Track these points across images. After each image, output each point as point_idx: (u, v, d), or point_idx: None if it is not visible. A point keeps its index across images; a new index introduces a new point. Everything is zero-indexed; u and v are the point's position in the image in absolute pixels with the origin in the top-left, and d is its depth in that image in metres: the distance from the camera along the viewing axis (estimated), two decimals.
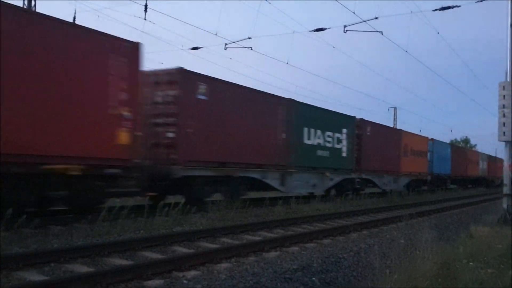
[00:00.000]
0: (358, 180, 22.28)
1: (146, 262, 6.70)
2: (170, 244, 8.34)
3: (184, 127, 12.84)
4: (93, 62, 10.12)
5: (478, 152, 49.66)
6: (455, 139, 73.85)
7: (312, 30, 18.50)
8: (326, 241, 9.79)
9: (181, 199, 12.85)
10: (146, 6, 16.53)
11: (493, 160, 53.18)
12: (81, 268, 6.44)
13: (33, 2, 20.12)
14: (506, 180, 13.14)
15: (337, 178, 20.57)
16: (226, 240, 9.16)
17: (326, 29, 18.32)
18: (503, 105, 12.81)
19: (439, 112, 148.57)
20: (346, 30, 17.60)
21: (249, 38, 19.09)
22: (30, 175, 9.07)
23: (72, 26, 10.24)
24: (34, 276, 5.91)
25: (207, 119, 13.57)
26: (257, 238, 9.51)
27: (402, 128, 30.58)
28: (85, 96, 9.94)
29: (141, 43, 11.13)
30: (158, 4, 32.20)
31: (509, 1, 12.89)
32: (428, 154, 31.34)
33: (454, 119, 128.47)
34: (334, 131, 20.22)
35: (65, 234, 8.83)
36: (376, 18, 17.02)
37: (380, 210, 16.93)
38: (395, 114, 51.67)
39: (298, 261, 7.47)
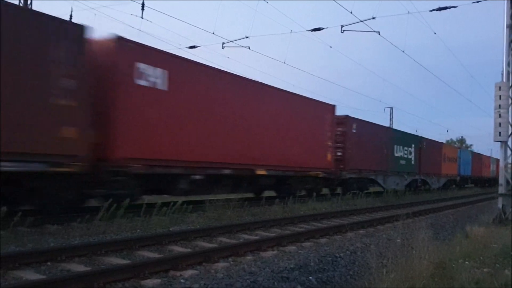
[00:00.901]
0: (420, 179, 31.27)
1: (143, 261, 6.69)
2: (167, 244, 8.34)
3: (346, 149, 21.79)
4: (320, 119, 19.66)
5: (489, 157, 54.85)
6: (451, 139, 74.08)
7: (310, 30, 18.52)
8: (322, 240, 9.82)
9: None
10: (143, 4, 16.54)
11: None
12: (78, 267, 6.43)
13: (28, 1, 20.05)
14: (501, 180, 13.21)
15: (409, 179, 29.39)
16: (223, 239, 9.17)
17: (323, 28, 18.35)
18: (499, 106, 12.87)
19: (435, 112, 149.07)
20: (344, 30, 17.63)
21: (247, 37, 19.13)
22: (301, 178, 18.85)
23: (314, 101, 19.53)
24: (31, 275, 5.90)
25: (356, 144, 22.40)
26: (254, 237, 9.52)
27: (442, 141, 41.90)
28: (316, 138, 19.35)
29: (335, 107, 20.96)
30: (155, 2, 32.15)
31: (506, 2, 12.95)
32: (457, 160, 40.31)
33: (450, 119, 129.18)
34: (408, 146, 29.13)
35: (62, 233, 8.82)
36: (373, 18, 17.04)
37: (376, 210, 16.95)
38: (391, 114, 51.92)
39: (295, 260, 7.49)
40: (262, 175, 16.09)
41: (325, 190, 21.67)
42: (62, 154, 9.39)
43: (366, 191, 23.70)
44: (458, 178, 39.79)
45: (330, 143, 20.03)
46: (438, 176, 34.70)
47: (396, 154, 27.13)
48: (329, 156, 19.95)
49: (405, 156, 28.49)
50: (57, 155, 9.31)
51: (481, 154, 52.00)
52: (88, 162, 9.88)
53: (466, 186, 44.15)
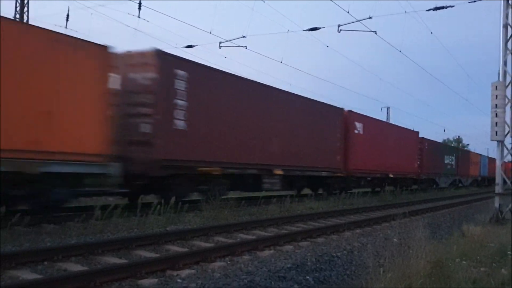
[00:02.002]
0: (457, 179, 42.65)
1: (140, 261, 6.69)
2: (164, 243, 8.33)
3: (422, 159, 31.62)
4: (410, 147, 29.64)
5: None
6: (448, 139, 74.22)
7: (307, 30, 18.55)
8: (320, 239, 9.83)
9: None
10: (140, 4, 16.53)
11: None
12: (74, 266, 6.42)
13: (25, 1, 20.00)
14: (498, 179, 13.24)
15: (452, 178, 40.56)
16: (220, 239, 9.16)
17: (320, 28, 18.37)
18: (496, 105, 12.89)
19: (432, 112, 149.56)
20: (340, 30, 17.65)
21: (244, 36, 19.15)
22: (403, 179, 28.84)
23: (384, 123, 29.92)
24: (27, 274, 5.88)
25: (426, 156, 32.16)
26: (251, 237, 9.52)
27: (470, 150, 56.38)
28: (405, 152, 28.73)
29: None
30: (152, 2, 32.07)
31: (502, 2, 12.98)
32: (479, 164, 51.07)
33: (447, 119, 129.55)
34: (451, 155, 40.44)
35: (58, 232, 8.80)
36: (370, 17, 17.09)
37: (373, 209, 16.99)
38: (388, 113, 52.04)
39: (292, 259, 7.49)
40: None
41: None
42: (336, 168, 21.14)
43: (433, 186, 36.00)
44: (479, 178, 51.63)
45: (416, 156, 31.11)
46: (467, 176, 46.57)
47: (445, 161, 38.55)
48: (415, 165, 30.94)
49: (450, 162, 39.87)
50: (335, 168, 21.00)
51: (493, 158, 56.84)
52: (343, 171, 21.67)
53: (483, 184, 53.72)
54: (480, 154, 55.19)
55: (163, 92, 12.24)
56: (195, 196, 14.34)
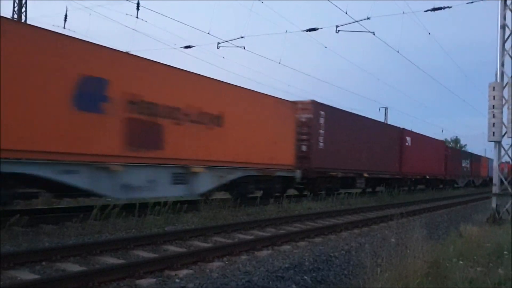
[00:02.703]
0: (471, 180, 48.79)
1: (138, 261, 6.69)
2: (162, 243, 8.35)
3: (447, 164, 38.13)
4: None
5: (508, 162, 66.15)
6: (446, 139, 74.27)
7: (305, 30, 18.60)
8: (317, 239, 9.85)
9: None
10: (138, 4, 16.53)
11: None
12: (73, 267, 6.43)
13: (23, 1, 19.98)
14: (495, 180, 13.27)
15: (467, 179, 47.03)
16: (218, 239, 9.18)
17: (318, 29, 18.41)
18: (493, 106, 12.93)
19: (430, 112, 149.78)
20: (338, 30, 17.69)
21: (242, 37, 19.21)
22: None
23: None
24: (26, 275, 5.89)
25: (450, 161, 39.23)
26: (249, 237, 9.54)
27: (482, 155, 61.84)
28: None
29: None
30: (150, 2, 32.08)
31: (499, 3, 13.02)
32: (487, 166, 57.36)
33: (445, 119, 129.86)
34: (466, 160, 46.81)
35: (57, 232, 8.81)
36: (368, 18, 17.12)
37: (371, 209, 17.01)
38: (386, 114, 52.10)
39: (290, 259, 7.50)
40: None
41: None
42: (395, 171, 27.70)
43: (454, 185, 42.61)
44: (487, 178, 54.83)
45: (443, 161, 37.78)
46: (479, 177, 52.83)
47: (463, 165, 44.97)
48: (442, 168, 37.53)
49: (466, 165, 46.09)
50: (393, 171, 27.60)
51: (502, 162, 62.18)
52: (399, 174, 28.39)
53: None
54: (488, 158, 59.52)
55: (314, 126, 19.34)
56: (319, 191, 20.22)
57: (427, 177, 33.65)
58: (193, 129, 12.63)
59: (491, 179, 57.93)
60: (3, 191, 8.82)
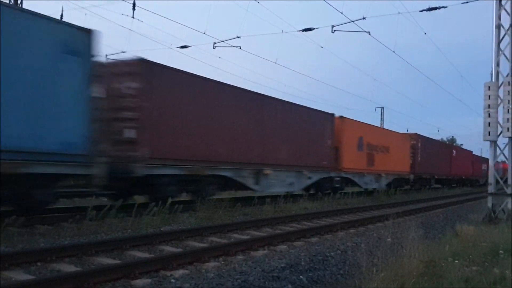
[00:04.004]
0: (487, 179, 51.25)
1: (134, 261, 6.68)
2: (158, 243, 8.33)
3: (474, 167, 51.26)
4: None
5: None
6: (442, 139, 74.53)
7: (301, 30, 18.54)
8: (313, 239, 9.85)
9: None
10: (134, 4, 16.48)
11: None
12: (68, 267, 6.41)
13: (19, 0, 19.90)
14: (491, 179, 13.31)
15: (485, 179, 60.73)
16: (214, 239, 9.17)
17: (314, 29, 18.38)
18: (489, 105, 12.96)
19: (426, 112, 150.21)
20: (334, 30, 17.66)
21: (238, 37, 19.12)
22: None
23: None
24: (21, 275, 5.86)
25: (476, 165, 52.09)
26: (245, 237, 9.53)
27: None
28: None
29: None
30: (146, 2, 32.01)
31: (494, 3, 13.05)
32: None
33: (441, 119, 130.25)
34: (484, 163, 48.43)
35: (52, 233, 8.78)
36: (363, 18, 17.10)
37: (367, 209, 17.03)
38: (382, 114, 52.30)
39: (286, 259, 7.50)
40: None
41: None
42: (448, 173, 40.22)
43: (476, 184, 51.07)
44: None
45: (470, 165, 49.20)
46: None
47: (482, 168, 51.95)
48: (470, 171, 49.10)
49: (484, 168, 50.55)
50: (448, 173, 40.51)
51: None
52: (451, 175, 41.32)
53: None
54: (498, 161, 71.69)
55: (417, 149, 31.68)
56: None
57: (463, 177, 46.45)
58: (382, 155, 26.41)
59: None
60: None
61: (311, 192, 20.08)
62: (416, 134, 32.26)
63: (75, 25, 9.80)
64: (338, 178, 21.41)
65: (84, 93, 9.77)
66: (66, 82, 9.44)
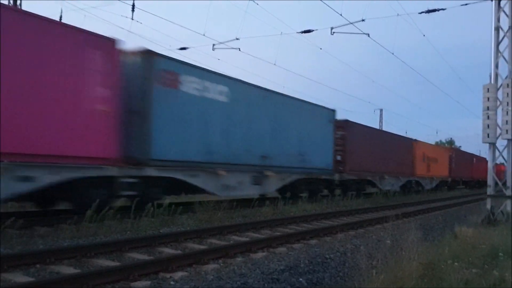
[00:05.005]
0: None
1: (133, 263, 6.66)
2: (157, 245, 8.31)
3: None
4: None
5: None
6: (440, 141, 74.68)
7: (300, 32, 18.58)
8: (313, 241, 9.84)
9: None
10: (133, 5, 16.49)
11: None
12: (67, 269, 6.40)
13: (18, 1, 19.90)
14: (490, 181, 13.32)
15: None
16: (214, 241, 9.16)
17: (313, 30, 18.42)
18: (487, 107, 12.97)
19: (425, 114, 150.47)
20: (333, 32, 17.69)
21: (237, 39, 19.16)
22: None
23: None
24: (20, 277, 5.85)
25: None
26: (244, 239, 9.52)
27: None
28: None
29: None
30: (146, 4, 32.07)
31: (493, 4, 13.08)
32: None
33: (440, 121, 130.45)
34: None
35: (51, 235, 8.76)
36: (363, 20, 17.14)
37: (366, 211, 17.01)
38: (381, 115, 52.41)
39: (285, 261, 7.50)
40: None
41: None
42: (471, 177, 50.94)
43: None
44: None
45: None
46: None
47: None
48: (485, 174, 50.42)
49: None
50: (470, 176, 51.07)
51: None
52: (471, 178, 51.26)
53: None
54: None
55: (453, 159, 41.71)
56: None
57: (480, 179, 51.27)
58: (433, 164, 35.36)
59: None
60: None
61: (398, 190, 28.98)
62: (452, 147, 48.55)
63: (331, 108, 21.40)
64: (414, 181, 32.84)
65: (332, 138, 21.19)
66: (328, 134, 20.91)
